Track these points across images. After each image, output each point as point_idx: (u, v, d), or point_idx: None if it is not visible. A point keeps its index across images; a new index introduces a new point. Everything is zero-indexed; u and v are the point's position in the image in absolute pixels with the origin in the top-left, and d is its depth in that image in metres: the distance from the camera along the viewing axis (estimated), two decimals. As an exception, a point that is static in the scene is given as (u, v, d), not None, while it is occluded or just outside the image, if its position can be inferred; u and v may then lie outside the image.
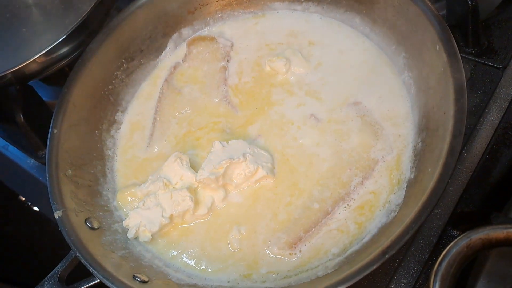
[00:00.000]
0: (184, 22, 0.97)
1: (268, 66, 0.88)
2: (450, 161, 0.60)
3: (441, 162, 0.61)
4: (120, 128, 0.91)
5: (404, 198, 0.69)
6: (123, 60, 0.92)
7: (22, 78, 0.90)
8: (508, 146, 0.78)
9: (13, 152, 1.05)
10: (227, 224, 0.75)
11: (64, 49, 0.88)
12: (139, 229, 0.74)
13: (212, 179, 0.74)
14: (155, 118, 0.88)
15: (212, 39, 0.95)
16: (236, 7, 0.98)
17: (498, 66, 0.86)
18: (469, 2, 0.83)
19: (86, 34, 0.90)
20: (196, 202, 0.75)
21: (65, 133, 0.81)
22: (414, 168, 0.71)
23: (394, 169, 0.73)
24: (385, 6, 0.82)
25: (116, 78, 0.92)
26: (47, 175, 0.76)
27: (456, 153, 0.61)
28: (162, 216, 0.74)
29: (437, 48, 0.71)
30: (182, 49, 0.97)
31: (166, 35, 0.97)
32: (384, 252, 0.56)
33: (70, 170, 0.78)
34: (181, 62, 0.95)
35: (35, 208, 1.14)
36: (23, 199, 1.14)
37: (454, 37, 0.86)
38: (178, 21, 0.97)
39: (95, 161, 0.84)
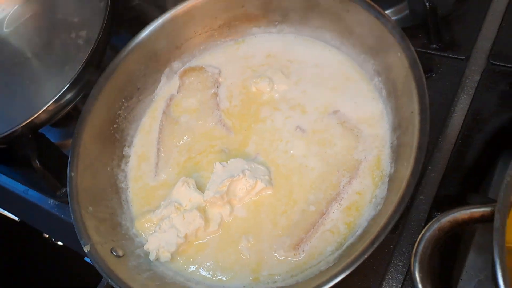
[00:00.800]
0: (173, 56, 1.04)
1: (254, 87, 0.96)
2: (420, 156, 0.68)
3: (412, 156, 0.68)
4: (128, 161, 0.98)
5: (387, 191, 0.76)
6: (123, 100, 0.99)
7: (33, 128, 0.97)
8: (478, 130, 0.84)
9: (33, 195, 1.11)
10: (236, 235, 0.83)
11: (69, 95, 0.95)
12: (159, 251, 0.81)
13: (217, 197, 0.82)
14: (158, 149, 0.96)
15: (201, 68, 1.03)
16: (218, 37, 1.05)
17: (462, 57, 0.92)
18: (427, 3, 0.90)
19: (87, 77, 0.96)
20: (206, 220, 0.83)
21: (81, 174, 0.88)
22: (393, 163, 0.79)
23: (375, 168, 0.81)
24: (350, 22, 0.89)
25: (119, 116, 0.99)
26: (71, 215, 0.83)
27: (424, 148, 0.68)
28: (178, 236, 0.81)
29: (399, 55, 0.79)
30: (175, 81, 1.04)
31: (159, 71, 1.04)
32: (372, 242, 0.64)
33: (90, 207, 0.85)
34: (176, 93, 1.02)
35: (59, 243, 1.20)
36: (47, 236, 1.20)
37: (419, 35, 0.96)
38: (167, 56, 1.03)
39: (111, 195, 0.92)
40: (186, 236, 0.82)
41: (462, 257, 0.74)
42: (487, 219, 0.58)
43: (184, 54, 1.05)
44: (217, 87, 1.00)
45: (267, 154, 0.89)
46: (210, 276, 0.81)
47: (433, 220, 0.60)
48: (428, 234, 0.59)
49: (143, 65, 1.01)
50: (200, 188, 0.87)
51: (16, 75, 1.17)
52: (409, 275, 0.76)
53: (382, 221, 0.66)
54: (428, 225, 0.60)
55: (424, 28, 0.95)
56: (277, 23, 1.01)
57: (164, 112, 1.00)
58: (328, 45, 0.97)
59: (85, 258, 1.11)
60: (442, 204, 0.81)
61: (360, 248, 0.65)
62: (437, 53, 0.94)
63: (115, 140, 0.98)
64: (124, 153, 0.99)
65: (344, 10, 0.89)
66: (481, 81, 0.89)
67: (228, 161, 0.85)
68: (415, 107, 0.73)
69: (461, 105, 0.88)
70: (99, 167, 0.93)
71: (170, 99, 1.02)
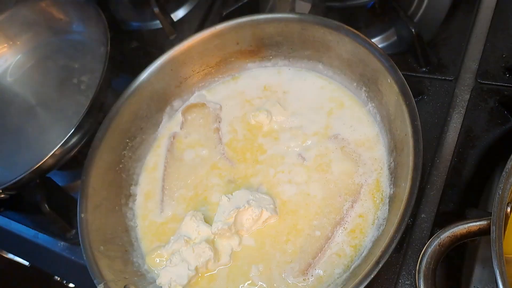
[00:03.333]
0: (173, 95, 1.07)
1: (253, 120, 0.99)
2: (416, 175, 0.70)
3: (409, 177, 0.71)
4: (136, 199, 1.00)
5: (388, 212, 0.79)
6: (127, 140, 1.02)
7: (41, 173, 0.99)
8: (471, 147, 0.86)
9: (43, 239, 1.12)
10: (246, 265, 0.84)
11: (74, 139, 0.97)
12: (171, 284, 0.83)
13: (225, 228, 0.84)
14: (163, 186, 0.98)
15: (202, 105, 1.06)
16: (215, 74, 1.08)
17: (450, 78, 0.95)
18: (412, 29, 0.94)
19: (91, 121, 0.99)
20: (216, 252, 0.85)
21: (91, 215, 0.90)
22: (392, 185, 0.82)
23: (375, 190, 0.83)
24: (339, 52, 0.93)
25: (124, 156, 1.01)
26: (83, 255, 0.85)
27: (419, 168, 0.71)
28: (188, 269, 0.83)
29: (389, 81, 0.82)
30: (176, 118, 1.07)
31: (160, 110, 1.06)
32: (377, 262, 0.66)
33: (102, 247, 0.87)
34: (178, 130, 1.05)
35: (71, 285, 1.21)
36: (58, 278, 1.21)
37: (408, 60, 1.00)
38: (167, 96, 1.06)
39: (121, 234, 0.93)
40: (196, 269, 0.84)
41: (469, 271, 0.76)
42: (484, 232, 0.60)
43: (183, 92, 1.08)
44: (219, 122, 1.03)
45: (270, 184, 0.91)
46: (224, 306, 0.82)
47: (433, 236, 0.62)
48: (430, 250, 0.61)
49: (145, 105, 1.04)
50: (208, 220, 0.89)
51: (21, 122, 1.19)
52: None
53: (385, 241, 0.68)
54: (428, 242, 0.62)
55: (412, 52, 0.99)
56: (271, 57, 1.05)
57: (168, 150, 1.03)
58: (322, 75, 1.00)
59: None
60: (443, 220, 0.82)
61: (366, 268, 0.67)
62: (426, 76, 0.97)
63: (122, 180, 1.00)
64: (131, 191, 1.01)
65: (334, 41, 0.92)
66: (471, 99, 0.92)
67: (233, 193, 0.87)
68: (408, 129, 0.76)
69: (454, 124, 0.91)
70: (107, 206, 0.95)
71: (174, 137, 1.04)
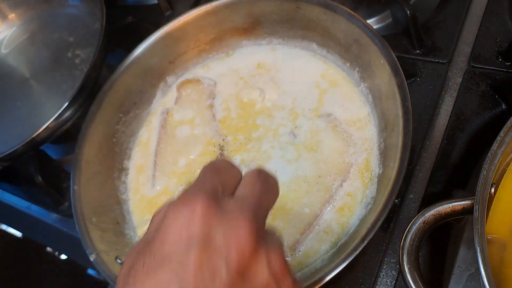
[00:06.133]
0: (167, 71, 1.07)
1: (246, 98, 0.99)
2: (404, 155, 0.71)
3: (398, 156, 0.72)
4: (128, 173, 1.01)
5: (376, 191, 0.80)
6: (121, 115, 1.02)
7: (35, 145, 0.99)
8: (461, 130, 0.87)
9: (36, 210, 1.14)
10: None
11: (68, 112, 0.97)
12: None
13: None
14: (155, 162, 0.99)
15: (197, 81, 1.06)
16: (209, 51, 1.08)
17: (444, 61, 0.95)
18: (407, 11, 0.94)
19: (85, 95, 0.99)
20: None
21: (84, 187, 0.91)
22: (381, 165, 0.83)
23: (364, 170, 0.84)
24: (334, 32, 0.93)
25: (118, 131, 1.01)
26: (76, 226, 0.86)
27: (408, 148, 0.72)
28: None
29: (382, 62, 0.82)
30: (170, 94, 1.07)
31: (154, 86, 1.06)
32: (362, 239, 0.67)
33: (94, 218, 0.88)
34: (172, 105, 1.05)
35: (63, 256, 1.23)
36: (51, 250, 1.22)
37: (402, 42, 1.01)
38: (161, 71, 1.06)
39: (113, 206, 0.94)
40: None
41: (454, 252, 0.77)
42: (468, 212, 0.62)
43: (177, 68, 1.08)
44: (213, 98, 1.03)
45: (262, 161, 0.92)
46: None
47: (418, 214, 0.64)
48: (414, 227, 0.63)
49: (139, 81, 1.04)
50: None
51: (15, 95, 1.20)
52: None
53: (371, 219, 0.69)
54: (413, 219, 0.63)
55: (407, 34, 0.99)
56: (265, 35, 1.05)
57: (162, 125, 1.03)
58: (316, 54, 1.00)
59: (88, 271, 1.14)
60: (430, 201, 0.81)
61: (352, 245, 0.68)
62: (420, 58, 0.97)
63: (115, 154, 1.01)
64: (123, 166, 1.01)
65: (329, 21, 0.93)
66: (463, 83, 0.92)
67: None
68: (398, 110, 0.76)
69: (445, 107, 0.92)
70: (100, 180, 0.96)
71: (167, 112, 1.05)
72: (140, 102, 1.06)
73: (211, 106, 1.02)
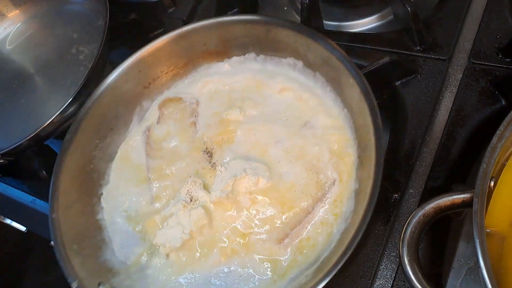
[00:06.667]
0: (142, 96, 1.07)
1: (226, 118, 0.99)
2: (378, 171, 0.72)
3: (371, 173, 0.73)
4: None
5: (354, 206, 0.81)
6: (97, 141, 1.01)
7: (39, 140, 1.01)
8: (461, 126, 0.88)
9: (41, 205, 1.15)
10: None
11: (72, 108, 0.99)
12: (165, 246, 0.85)
13: (223, 197, 0.86)
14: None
15: (179, 99, 1.06)
16: (183, 74, 1.09)
17: (444, 58, 0.96)
18: (408, 8, 0.95)
19: (88, 91, 1.00)
20: (211, 219, 0.87)
21: (62, 215, 0.89)
22: (356, 180, 0.84)
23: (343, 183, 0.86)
24: (303, 52, 0.95)
25: (94, 158, 1.00)
26: (56, 254, 0.85)
27: (381, 164, 0.73)
28: (183, 232, 0.85)
29: (351, 82, 0.84)
30: (147, 118, 1.07)
31: (130, 110, 1.06)
32: (343, 254, 0.68)
33: (75, 245, 0.87)
34: (152, 125, 1.04)
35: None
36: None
37: (403, 39, 1.01)
38: (137, 96, 1.06)
39: (93, 232, 0.94)
40: (191, 233, 0.86)
41: (453, 246, 0.78)
42: (467, 205, 0.63)
43: (152, 93, 1.08)
44: (195, 116, 1.02)
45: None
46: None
47: (418, 207, 0.65)
48: (414, 220, 0.64)
49: (114, 106, 1.03)
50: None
51: (20, 91, 1.21)
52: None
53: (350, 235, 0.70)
54: (413, 212, 0.64)
55: (407, 31, 1.00)
56: (238, 57, 1.06)
57: (147, 143, 1.02)
58: (288, 76, 1.01)
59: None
60: (430, 196, 0.83)
61: (332, 261, 0.69)
62: (420, 54, 0.98)
63: (92, 180, 0.99)
64: (103, 191, 1.00)
65: (298, 43, 0.94)
66: (463, 79, 0.93)
67: (229, 163, 0.89)
68: (369, 127, 0.78)
69: (446, 103, 0.93)
70: (79, 207, 0.95)
71: (149, 130, 1.04)
72: (117, 127, 1.05)
73: (194, 123, 1.02)
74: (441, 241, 0.81)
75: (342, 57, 0.86)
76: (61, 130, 1.02)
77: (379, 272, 0.82)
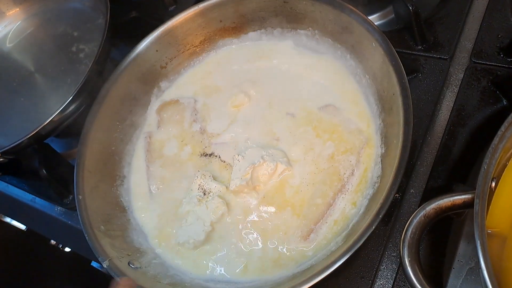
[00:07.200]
0: (160, 76, 1.08)
1: (232, 106, 1.00)
2: (407, 130, 0.72)
3: (401, 132, 0.73)
4: (130, 180, 1.01)
5: (381, 170, 0.80)
6: (117, 123, 1.02)
7: (39, 139, 1.00)
8: (462, 125, 0.88)
9: (41, 203, 1.14)
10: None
11: (72, 106, 0.97)
12: (189, 242, 0.86)
13: (243, 185, 0.86)
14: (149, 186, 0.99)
15: (176, 101, 1.07)
16: (200, 53, 1.09)
17: (445, 57, 0.96)
18: (410, 7, 0.95)
19: (89, 89, 0.99)
20: (229, 206, 0.88)
21: (88, 196, 0.90)
22: (383, 144, 0.83)
23: (369, 152, 0.86)
24: (322, 22, 0.95)
25: (116, 139, 1.02)
26: (85, 235, 0.85)
27: (410, 122, 0.73)
28: (204, 225, 0.86)
29: (373, 44, 0.83)
30: (149, 123, 1.07)
31: (148, 92, 1.07)
32: (377, 213, 0.68)
33: (102, 226, 0.88)
34: (156, 129, 1.05)
35: (67, 249, 1.23)
36: (55, 243, 1.23)
37: (404, 38, 1.01)
38: (154, 77, 1.07)
39: (119, 213, 0.94)
40: (212, 224, 0.86)
41: (454, 246, 0.78)
42: (468, 205, 0.62)
43: (170, 73, 1.09)
44: (196, 114, 1.03)
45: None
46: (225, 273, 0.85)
47: (419, 208, 0.64)
48: (415, 220, 0.63)
49: (133, 87, 1.04)
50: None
51: (20, 89, 1.20)
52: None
53: (381, 197, 0.70)
54: (414, 213, 0.64)
55: (409, 30, 1.00)
56: (255, 32, 1.06)
57: (147, 150, 1.03)
58: (306, 48, 1.01)
59: (92, 263, 1.14)
60: (431, 196, 0.83)
61: (365, 223, 0.69)
62: (422, 54, 0.98)
63: (115, 162, 1.01)
64: (124, 173, 1.01)
65: (317, 12, 0.93)
66: (464, 79, 0.93)
67: (246, 151, 0.89)
68: (395, 88, 0.77)
69: (447, 102, 0.92)
70: (104, 188, 0.96)
71: (150, 136, 1.04)
72: (135, 109, 1.06)
73: (195, 121, 1.02)
74: (441, 242, 0.81)
75: (363, 21, 0.85)
76: (61, 128, 1.01)
77: (380, 272, 0.82)
